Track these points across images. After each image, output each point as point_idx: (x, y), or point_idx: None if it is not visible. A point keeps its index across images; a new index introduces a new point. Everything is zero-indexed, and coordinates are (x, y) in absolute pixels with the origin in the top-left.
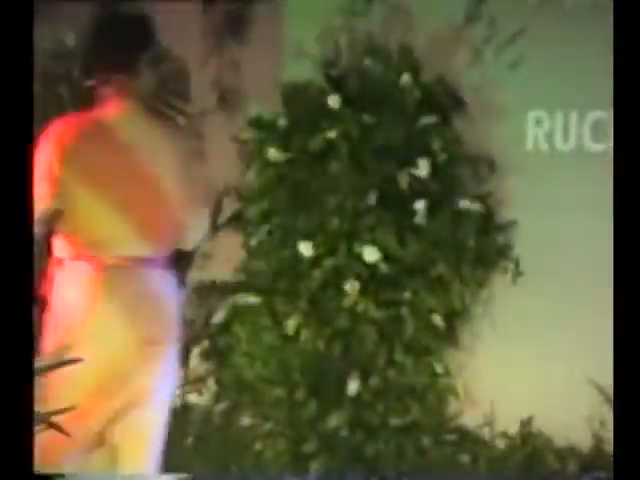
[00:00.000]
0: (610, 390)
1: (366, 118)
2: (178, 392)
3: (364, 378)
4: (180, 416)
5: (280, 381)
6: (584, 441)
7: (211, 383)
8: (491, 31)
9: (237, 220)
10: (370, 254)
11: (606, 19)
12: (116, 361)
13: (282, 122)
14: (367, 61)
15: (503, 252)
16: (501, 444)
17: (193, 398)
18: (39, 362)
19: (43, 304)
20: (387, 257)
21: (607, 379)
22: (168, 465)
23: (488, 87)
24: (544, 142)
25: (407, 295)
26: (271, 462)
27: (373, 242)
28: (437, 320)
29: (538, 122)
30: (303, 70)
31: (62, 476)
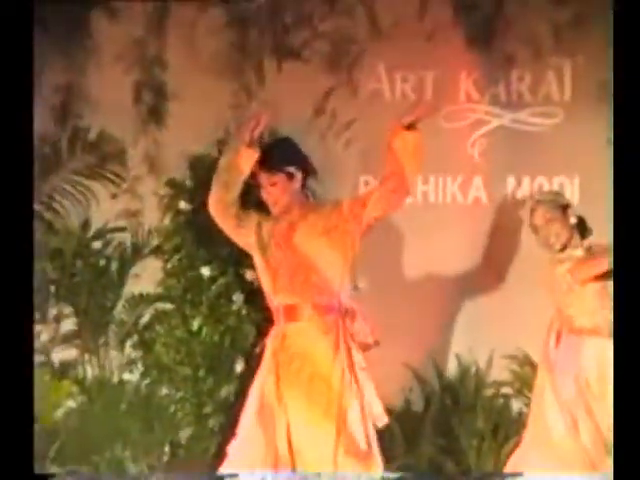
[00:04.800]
0: None
1: None
2: (116, 372)
3: (247, 361)
4: (117, 388)
5: (187, 363)
6: None
7: (140, 365)
8: (332, 120)
9: (157, 251)
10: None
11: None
12: None
13: (189, 183)
14: None
15: None
16: None
17: (127, 376)
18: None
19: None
20: None
21: None
22: None
23: (331, 160)
24: None
25: None
26: (181, 420)
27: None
28: None
29: (367, 184)
30: (202, 146)
31: (54, 476)
